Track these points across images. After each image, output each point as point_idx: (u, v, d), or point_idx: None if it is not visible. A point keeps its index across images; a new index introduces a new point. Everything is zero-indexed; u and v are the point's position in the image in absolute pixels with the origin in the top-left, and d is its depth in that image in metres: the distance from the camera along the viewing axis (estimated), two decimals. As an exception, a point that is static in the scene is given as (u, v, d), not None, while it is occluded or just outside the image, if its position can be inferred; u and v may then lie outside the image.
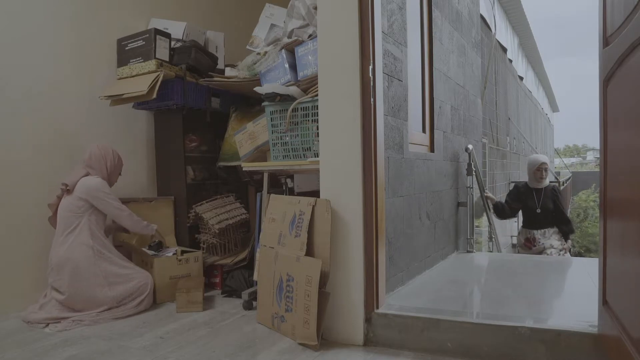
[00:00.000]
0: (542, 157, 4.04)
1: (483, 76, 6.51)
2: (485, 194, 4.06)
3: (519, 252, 4.06)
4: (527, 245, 3.92)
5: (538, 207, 3.85)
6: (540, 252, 3.83)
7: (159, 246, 2.80)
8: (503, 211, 4.05)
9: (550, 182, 4.10)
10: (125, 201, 2.74)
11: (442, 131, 3.19)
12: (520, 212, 4.15)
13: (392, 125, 2.34)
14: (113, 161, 2.67)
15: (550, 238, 3.86)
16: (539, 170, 3.91)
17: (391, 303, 2.12)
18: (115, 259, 2.53)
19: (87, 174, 2.58)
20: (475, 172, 3.63)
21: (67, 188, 2.50)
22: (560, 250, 3.80)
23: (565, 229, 3.87)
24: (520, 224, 4.19)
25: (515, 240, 4.48)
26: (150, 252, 2.75)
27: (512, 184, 4.35)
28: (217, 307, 2.58)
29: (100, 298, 2.40)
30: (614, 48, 1.39)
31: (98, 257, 2.44)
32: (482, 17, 7.02)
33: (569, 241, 3.90)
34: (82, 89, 2.89)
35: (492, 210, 4.08)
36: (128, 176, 3.08)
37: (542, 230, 3.89)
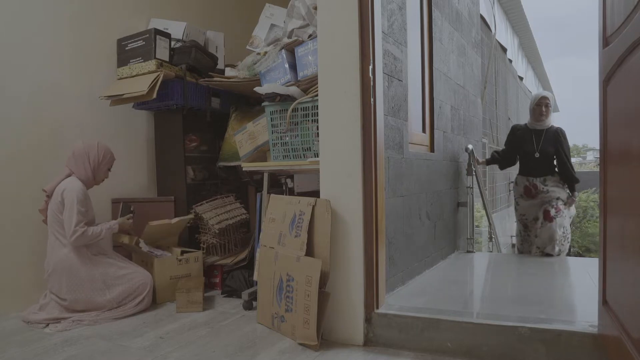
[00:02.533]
0: (544, 92, 3.52)
1: (483, 76, 6.51)
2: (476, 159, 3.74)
3: (518, 204, 3.57)
4: (528, 194, 3.45)
5: (537, 150, 3.37)
6: (544, 203, 3.39)
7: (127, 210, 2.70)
8: (497, 161, 3.63)
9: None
10: (128, 201, 2.71)
11: (442, 131, 3.19)
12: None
13: (392, 125, 2.34)
14: (97, 156, 2.53)
15: (554, 187, 3.38)
16: (538, 105, 3.41)
17: (391, 303, 2.12)
18: (112, 260, 2.52)
19: (69, 174, 2.50)
20: (475, 172, 3.62)
21: (47, 194, 2.45)
22: (566, 204, 3.39)
23: (570, 179, 3.37)
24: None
25: (514, 240, 4.34)
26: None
27: (512, 183, 4.07)
28: (217, 307, 2.58)
29: (101, 302, 2.40)
30: (614, 48, 1.39)
31: (94, 262, 2.43)
32: (482, 17, 7.03)
33: (576, 193, 3.42)
34: (82, 89, 2.89)
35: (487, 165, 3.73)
36: (128, 176, 3.09)
37: (542, 178, 3.39)
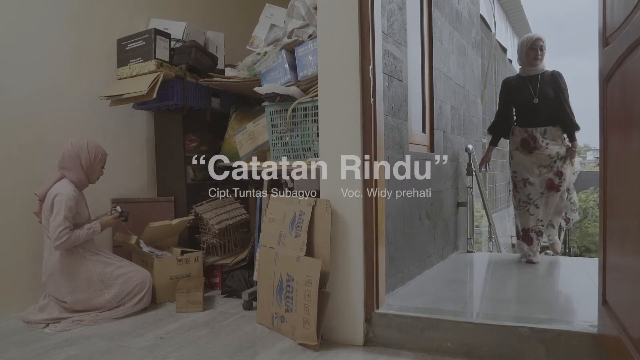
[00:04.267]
0: (537, 34, 3.15)
1: (483, 76, 6.51)
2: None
3: (512, 157, 3.18)
4: (525, 147, 3.08)
5: (535, 96, 3.03)
6: (541, 166, 3.07)
7: (122, 215, 2.66)
8: (498, 131, 3.29)
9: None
10: (128, 201, 2.69)
11: (442, 131, 3.19)
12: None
13: (392, 125, 2.34)
14: (88, 157, 2.47)
15: (553, 143, 3.05)
16: (533, 49, 3.06)
17: (391, 303, 2.12)
18: (109, 259, 2.51)
19: (61, 177, 2.43)
20: (475, 172, 3.62)
21: (39, 198, 2.42)
22: (566, 160, 3.07)
23: (569, 125, 3.04)
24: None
25: (514, 241, 4.28)
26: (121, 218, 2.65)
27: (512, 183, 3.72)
28: (217, 307, 2.58)
29: (100, 302, 2.40)
30: (614, 48, 1.39)
31: (91, 262, 2.42)
32: (482, 17, 7.03)
33: (576, 142, 3.08)
34: (82, 89, 2.89)
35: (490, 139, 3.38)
36: (128, 176, 3.08)
37: (543, 129, 3.05)
